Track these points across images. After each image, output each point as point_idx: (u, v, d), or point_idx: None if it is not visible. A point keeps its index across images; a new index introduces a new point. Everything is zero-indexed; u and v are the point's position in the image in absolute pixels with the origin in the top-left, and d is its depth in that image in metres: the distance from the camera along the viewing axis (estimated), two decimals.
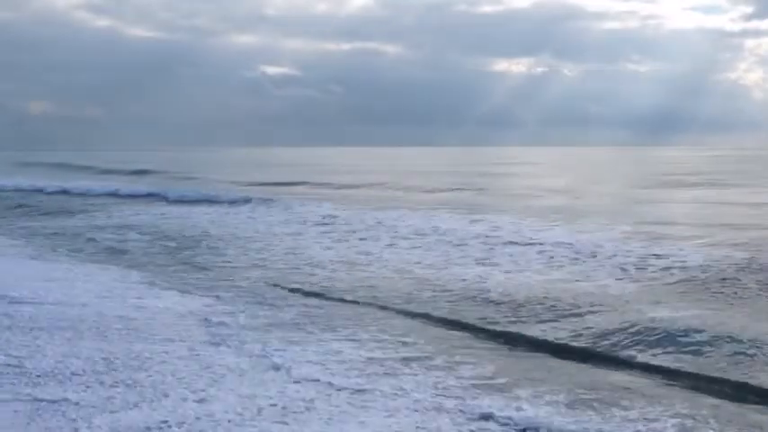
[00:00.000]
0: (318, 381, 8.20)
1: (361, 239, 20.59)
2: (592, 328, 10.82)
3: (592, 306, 12.12)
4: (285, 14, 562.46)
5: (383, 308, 12.48)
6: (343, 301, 13.04)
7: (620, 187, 41.17)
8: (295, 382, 8.17)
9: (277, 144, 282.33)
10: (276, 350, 9.41)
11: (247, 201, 31.35)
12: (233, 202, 31.45)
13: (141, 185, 43.31)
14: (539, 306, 12.33)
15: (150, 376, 8.16)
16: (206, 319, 11.22)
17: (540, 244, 18.38)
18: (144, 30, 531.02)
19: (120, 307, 11.75)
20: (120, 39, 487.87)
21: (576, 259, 16.45)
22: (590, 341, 10.42)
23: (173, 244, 20.33)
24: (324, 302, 12.88)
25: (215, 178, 50.83)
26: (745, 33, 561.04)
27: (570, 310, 11.98)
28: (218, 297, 13.02)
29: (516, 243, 18.71)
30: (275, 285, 14.40)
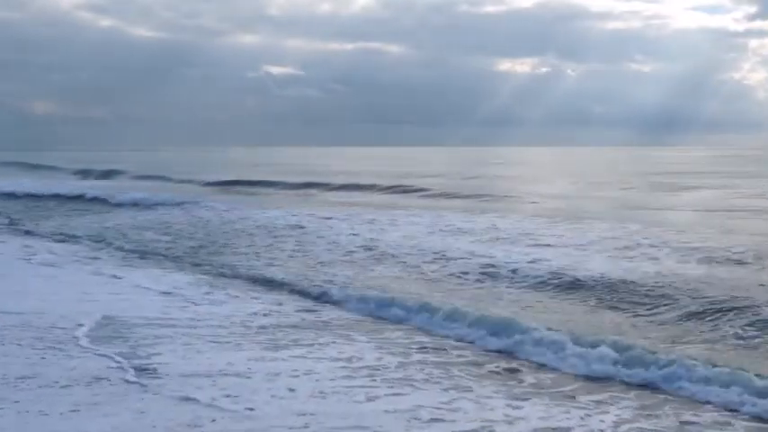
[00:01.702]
0: None
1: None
2: None
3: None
4: (288, 14, 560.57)
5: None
6: None
7: (580, 187, 41.23)
8: None
9: (281, 144, 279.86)
10: None
11: (176, 204, 31.37)
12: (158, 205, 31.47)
13: (69, 186, 42.66)
14: None
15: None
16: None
17: None
18: (147, 30, 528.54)
19: None
20: (123, 39, 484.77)
21: None
22: None
23: None
24: None
25: (182, 178, 50.81)
26: (748, 33, 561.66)
27: None
28: None
29: None
30: None
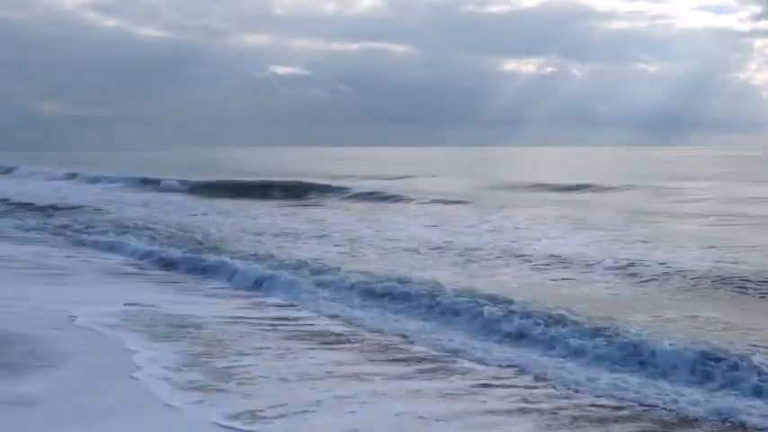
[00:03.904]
0: None
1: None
2: None
3: None
4: (294, 14, 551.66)
5: None
6: None
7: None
8: None
9: (287, 144, 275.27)
10: None
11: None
12: None
13: None
14: None
15: None
16: None
17: None
18: (152, 30, 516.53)
19: None
20: (129, 39, 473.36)
21: None
22: None
23: None
24: None
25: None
26: (754, 33, 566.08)
27: None
28: None
29: None
30: None
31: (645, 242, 18.65)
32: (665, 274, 14.44)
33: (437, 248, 18.40)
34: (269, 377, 8.57)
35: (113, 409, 7.42)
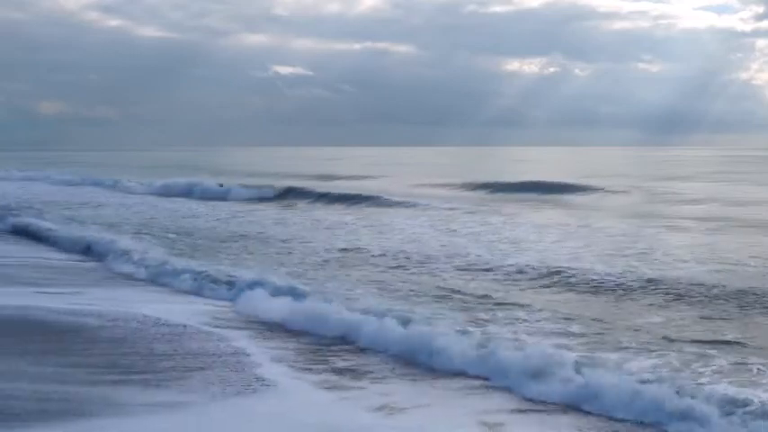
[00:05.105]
0: None
1: None
2: None
3: None
4: (296, 14, 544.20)
5: None
6: None
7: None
8: None
9: (288, 144, 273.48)
10: None
11: None
12: None
13: None
14: None
15: None
16: None
17: None
18: (154, 30, 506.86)
19: None
20: (131, 39, 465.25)
21: None
22: None
23: None
24: None
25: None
26: (756, 33, 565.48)
27: None
28: None
29: None
30: None
31: (639, 246, 18.44)
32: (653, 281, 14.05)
33: (437, 250, 18.34)
34: (402, 377, 9.06)
35: (260, 412, 7.75)
